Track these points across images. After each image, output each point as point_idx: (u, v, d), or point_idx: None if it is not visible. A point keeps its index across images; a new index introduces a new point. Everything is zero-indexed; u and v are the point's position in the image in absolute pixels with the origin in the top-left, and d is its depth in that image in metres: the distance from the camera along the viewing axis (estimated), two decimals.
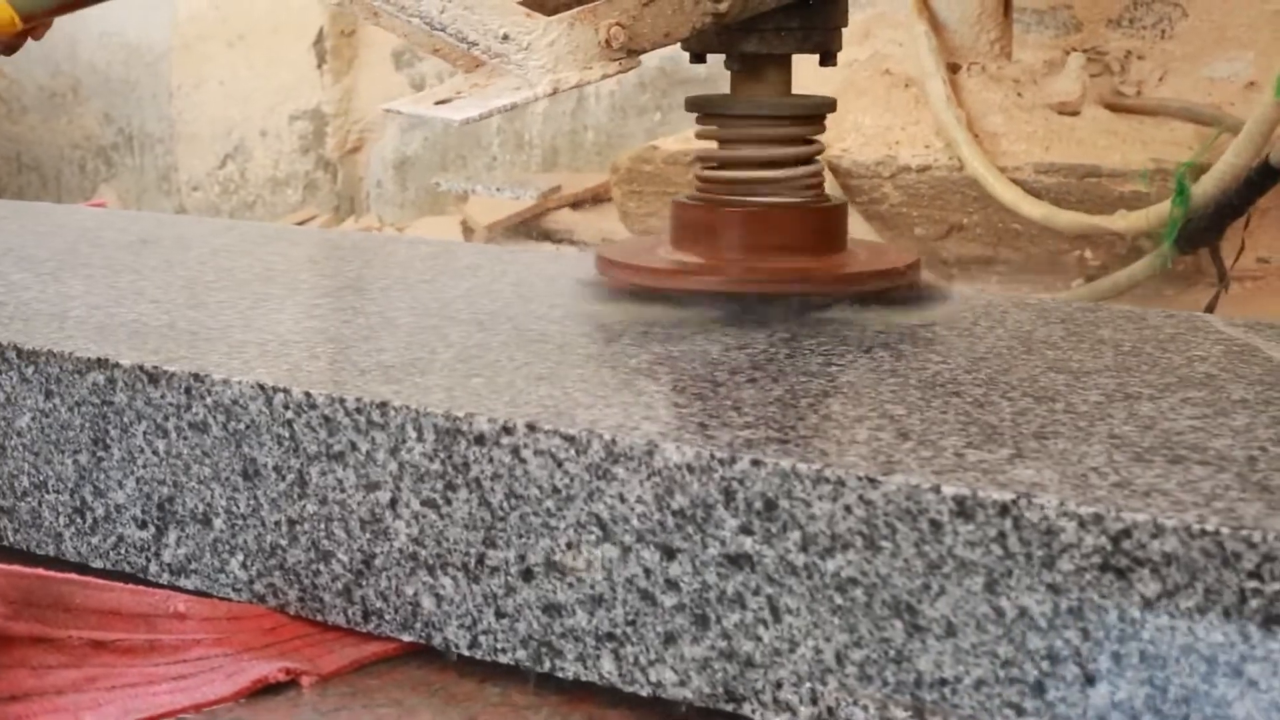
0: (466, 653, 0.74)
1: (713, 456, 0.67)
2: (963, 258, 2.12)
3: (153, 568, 0.83)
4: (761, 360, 0.83)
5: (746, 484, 0.66)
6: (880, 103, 2.18)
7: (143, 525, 0.83)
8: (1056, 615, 0.61)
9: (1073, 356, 0.85)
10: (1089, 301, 1.67)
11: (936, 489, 0.62)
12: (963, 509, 0.62)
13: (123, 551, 0.84)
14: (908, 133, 2.12)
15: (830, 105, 1.00)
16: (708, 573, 0.67)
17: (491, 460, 0.72)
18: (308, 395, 0.77)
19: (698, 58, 0.99)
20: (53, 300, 0.99)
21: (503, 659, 0.73)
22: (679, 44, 0.94)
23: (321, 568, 0.77)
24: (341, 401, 0.76)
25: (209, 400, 0.80)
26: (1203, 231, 1.99)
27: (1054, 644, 0.61)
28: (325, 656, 0.76)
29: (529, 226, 2.54)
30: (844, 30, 0.98)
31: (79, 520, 0.86)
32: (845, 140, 2.15)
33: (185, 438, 0.81)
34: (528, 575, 0.72)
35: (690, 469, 0.67)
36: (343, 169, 3.39)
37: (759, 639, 0.67)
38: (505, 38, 0.86)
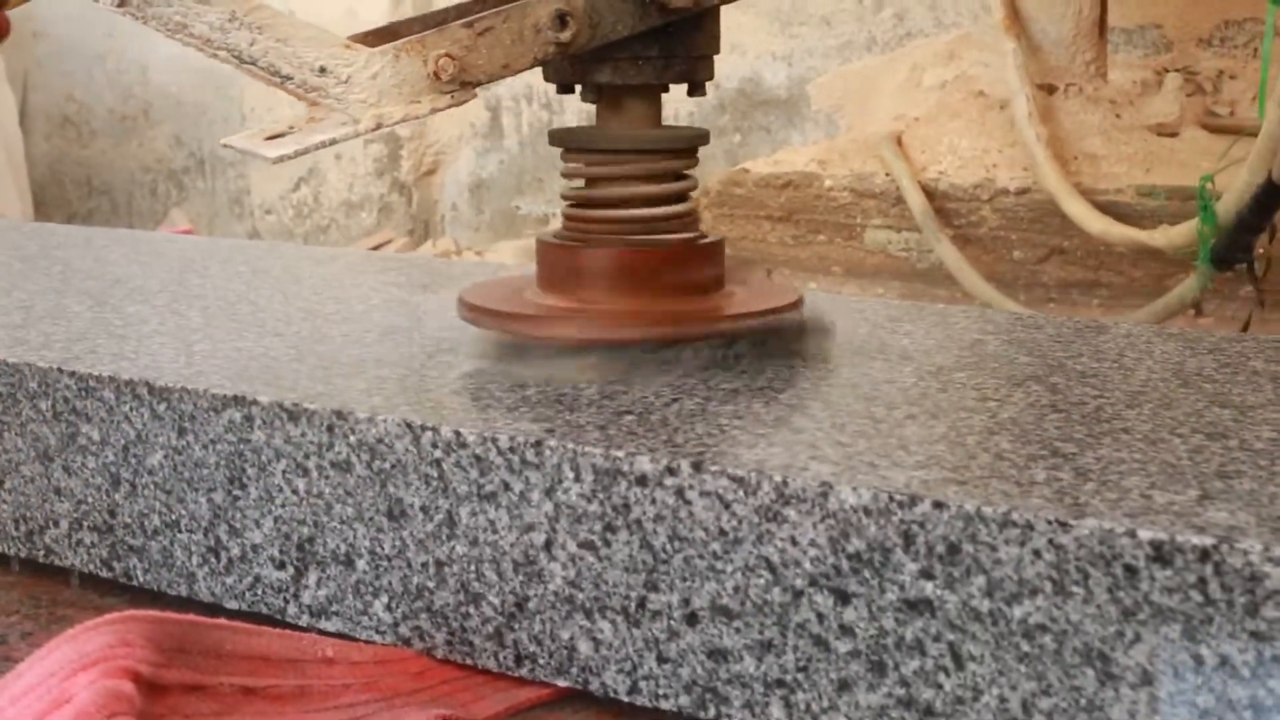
0: (625, 699, 0.72)
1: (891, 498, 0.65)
2: (1063, 281, 2.10)
3: (291, 609, 0.82)
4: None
5: (927, 527, 0.64)
6: (975, 125, 2.16)
7: (281, 566, 0.82)
8: (1260, 664, 0.59)
9: (1232, 390, 0.83)
10: (1148, 324, 1.65)
11: (1132, 533, 0.60)
12: (1160, 554, 0.60)
13: (259, 592, 0.83)
14: (1005, 155, 2.10)
15: (702, 138, 0.94)
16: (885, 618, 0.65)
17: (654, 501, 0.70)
18: (458, 434, 0.75)
19: (564, 88, 0.92)
20: (174, 333, 0.98)
21: (665, 705, 0.71)
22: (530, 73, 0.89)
23: (471, 610, 0.76)
24: (494, 440, 0.74)
25: (352, 439, 0.78)
26: (1230, 249, 1.97)
27: (1257, 694, 0.59)
28: (478, 702, 0.74)
29: None
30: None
31: (213, 560, 0.84)
32: (941, 163, 2.13)
33: (327, 477, 0.79)
34: (692, 619, 0.70)
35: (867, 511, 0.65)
36: (418, 192, 3.39)
37: (940, 687, 0.64)
38: (322, 70, 0.81)
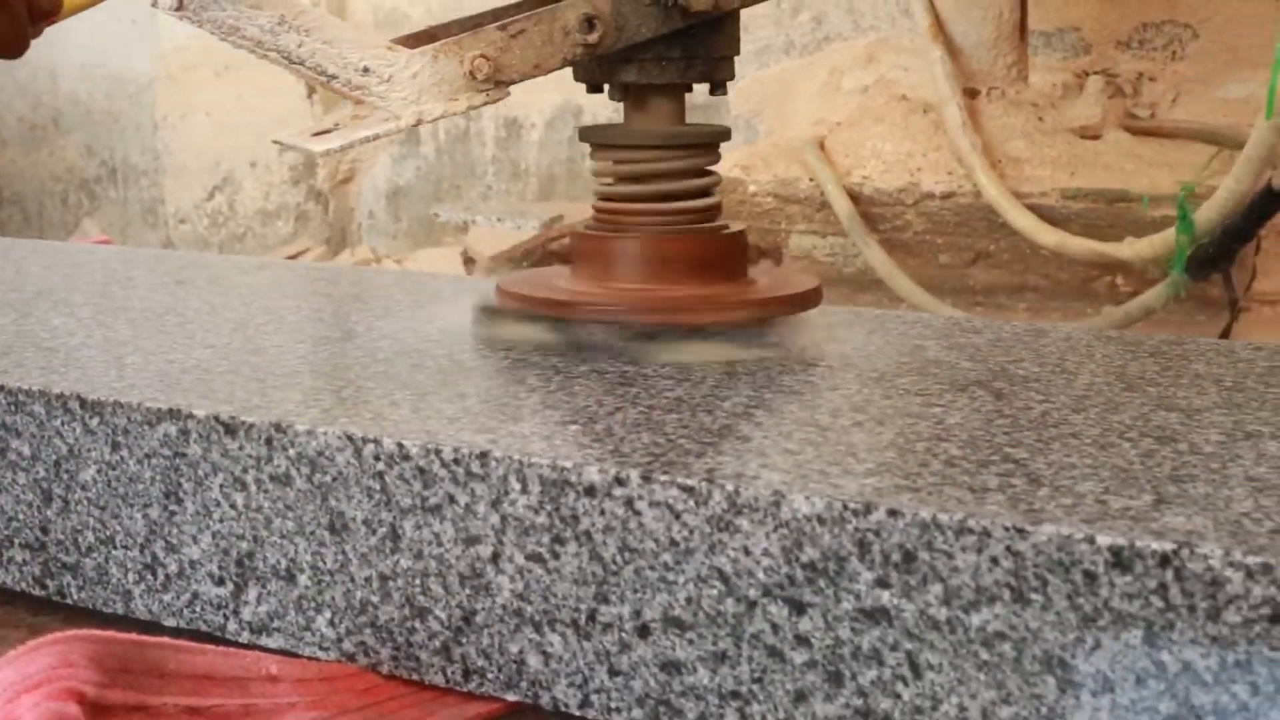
0: (577, 712, 0.71)
1: (845, 507, 0.64)
2: (989, 285, 2.10)
3: (231, 626, 0.80)
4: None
5: (882, 535, 0.63)
6: (899, 129, 2.16)
7: (220, 582, 0.80)
8: (1223, 669, 0.58)
9: (1177, 394, 0.83)
10: (1103, 331, 1.65)
11: (1091, 539, 0.60)
12: (1119, 560, 0.59)
13: (198, 609, 0.81)
14: (929, 159, 2.10)
15: (724, 134, 0.99)
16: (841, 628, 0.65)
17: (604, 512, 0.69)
18: (400, 446, 0.74)
19: (593, 88, 0.98)
20: (102, 345, 0.96)
21: (617, 718, 0.70)
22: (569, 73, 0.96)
23: (417, 625, 0.75)
24: (438, 452, 0.73)
25: (292, 452, 0.77)
26: (1212, 258, 1.96)
27: (1220, 699, 0.58)
28: (427, 718, 0.73)
29: (531, 256, 2.51)
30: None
31: (149, 577, 0.83)
32: (865, 167, 2.13)
33: (266, 490, 0.78)
34: (644, 631, 0.69)
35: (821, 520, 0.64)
36: (334, 200, 3.36)
37: (898, 696, 0.64)
38: (365, 70, 0.87)
